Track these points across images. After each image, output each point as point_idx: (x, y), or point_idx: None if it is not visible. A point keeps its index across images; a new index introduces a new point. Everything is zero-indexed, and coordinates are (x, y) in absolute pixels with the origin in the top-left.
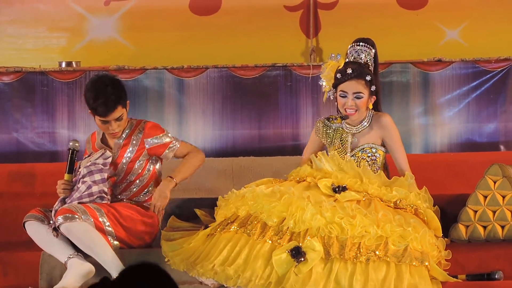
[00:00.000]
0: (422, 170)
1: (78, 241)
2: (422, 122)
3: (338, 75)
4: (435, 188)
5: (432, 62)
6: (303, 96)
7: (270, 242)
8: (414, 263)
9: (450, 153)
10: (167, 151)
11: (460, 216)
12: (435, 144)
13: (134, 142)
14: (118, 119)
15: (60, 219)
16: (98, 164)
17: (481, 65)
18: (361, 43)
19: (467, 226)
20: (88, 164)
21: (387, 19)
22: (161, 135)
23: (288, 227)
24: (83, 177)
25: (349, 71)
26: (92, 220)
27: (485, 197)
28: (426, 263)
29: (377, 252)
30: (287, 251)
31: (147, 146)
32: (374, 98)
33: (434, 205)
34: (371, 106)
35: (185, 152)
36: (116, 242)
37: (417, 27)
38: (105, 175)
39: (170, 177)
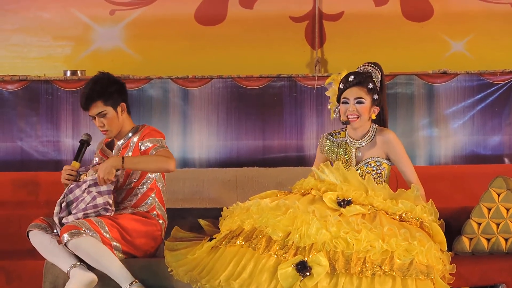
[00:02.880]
0: (427, 182)
1: (87, 256)
2: (427, 134)
3: (341, 85)
4: (439, 200)
5: (437, 74)
6: (307, 107)
7: (275, 256)
8: (420, 277)
9: (455, 165)
10: (152, 151)
11: (464, 228)
12: (440, 156)
13: (131, 145)
14: (100, 115)
15: (66, 236)
16: None
17: (486, 78)
18: (367, 64)
19: (471, 239)
20: (96, 175)
21: (393, 30)
22: (157, 138)
23: (293, 242)
24: (89, 186)
25: (351, 78)
26: (97, 234)
27: (489, 209)
28: (432, 277)
29: (382, 267)
30: (292, 265)
31: (141, 148)
32: (377, 108)
33: (439, 219)
34: (374, 117)
35: (161, 154)
36: (121, 255)
37: (422, 39)
38: (112, 186)
39: (123, 158)
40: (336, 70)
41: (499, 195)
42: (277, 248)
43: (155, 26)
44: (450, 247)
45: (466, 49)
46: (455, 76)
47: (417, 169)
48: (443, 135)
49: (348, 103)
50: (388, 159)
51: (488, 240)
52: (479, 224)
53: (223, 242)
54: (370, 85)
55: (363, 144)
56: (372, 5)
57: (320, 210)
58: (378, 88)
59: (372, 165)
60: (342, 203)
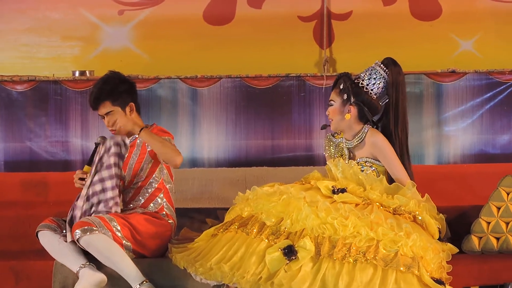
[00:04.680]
0: (435, 181)
1: (98, 253)
2: (435, 133)
3: None
4: (448, 199)
5: (445, 73)
6: (316, 107)
7: (266, 240)
8: (401, 268)
9: (463, 165)
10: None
11: (473, 227)
12: (448, 155)
13: (138, 143)
14: (108, 114)
15: (78, 232)
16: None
17: (494, 77)
18: (377, 63)
19: (480, 238)
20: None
21: (401, 29)
22: (165, 137)
23: (285, 228)
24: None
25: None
26: (110, 232)
27: (498, 208)
28: (416, 271)
29: (366, 254)
30: (279, 249)
31: (148, 147)
32: (351, 108)
33: (444, 217)
34: (347, 117)
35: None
36: (131, 254)
37: (431, 38)
38: (116, 192)
39: (141, 128)
40: (344, 69)
41: (508, 194)
42: (269, 233)
43: (163, 26)
44: (459, 246)
45: (475, 48)
46: (464, 75)
47: (425, 168)
48: (451, 134)
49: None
50: (378, 160)
51: (498, 239)
52: (488, 223)
53: (221, 230)
54: (341, 86)
55: (353, 144)
56: (380, 4)
57: (311, 195)
58: (372, 87)
59: (362, 165)
60: (336, 190)
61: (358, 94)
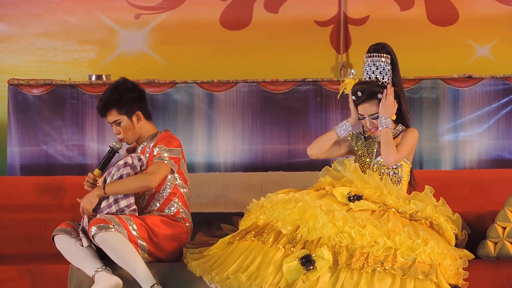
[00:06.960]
0: (451, 186)
1: (112, 251)
2: (452, 138)
3: (353, 97)
4: (464, 204)
5: (462, 79)
6: (332, 111)
7: (283, 249)
8: (419, 277)
9: (479, 170)
10: (154, 159)
11: (488, 232)
12: (465, 161)
13: (147, 151)
14: (115, 123)
15: (94, 229)
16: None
17: (511, 82)
18: (373, 54)
19: (495, 243)
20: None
21: (418, 35)
22: (165, 147)
23: (301, 236)
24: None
25: (360, 94)
26: (125, 231)
27: None
28: (434, 278)
29: (384, 264)
30: (297, 259)
31: (154, 153)
32: (396, 104)
33: (461, 225)
34: (394, 117)
35: (148, 170)
36: (146, 255)
37: (447, 43)
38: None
39: (104, 186)
40: (361, 75)
41: None
42: (285, 241)
43: (180, 30)
44: (474, 252)
45: (491, 54)
46: (480, 81)
47: (442, 173)
48: (468, 139)
49: (365, 118)
50: (407, 158)
51: None
52: (504, 228)
53: (237, 238)
54: (379, 95)
55: None
56: (397, 9)
57: (327, 204)
58: (389, 71)
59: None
60: (352, 198)
61: (393, 92)
